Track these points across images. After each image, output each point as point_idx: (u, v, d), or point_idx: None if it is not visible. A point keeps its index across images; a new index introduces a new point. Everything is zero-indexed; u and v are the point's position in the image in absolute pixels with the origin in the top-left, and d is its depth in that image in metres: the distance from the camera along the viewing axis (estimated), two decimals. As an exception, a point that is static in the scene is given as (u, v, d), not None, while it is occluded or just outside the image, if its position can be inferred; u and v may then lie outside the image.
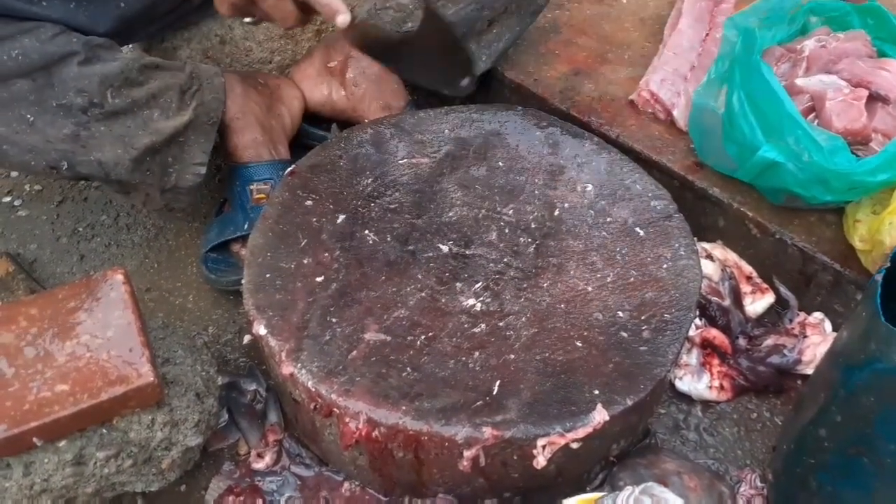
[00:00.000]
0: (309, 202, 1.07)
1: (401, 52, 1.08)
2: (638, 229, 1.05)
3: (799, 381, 1.12)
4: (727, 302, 1.14)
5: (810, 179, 1.05)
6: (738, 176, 1.16)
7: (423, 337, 0.92)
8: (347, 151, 1.14)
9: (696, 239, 1.06)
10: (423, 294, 0.97)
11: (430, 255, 1.02)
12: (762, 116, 1.06)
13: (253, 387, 1.09)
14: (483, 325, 0.94)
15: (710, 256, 1.18)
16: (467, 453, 0.84)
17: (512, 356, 0.91)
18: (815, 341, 1.10)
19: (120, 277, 0.95)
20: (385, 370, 0.89)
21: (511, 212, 1.07)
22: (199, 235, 1.31)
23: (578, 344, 0.92)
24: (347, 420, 0.86)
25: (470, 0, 1.21)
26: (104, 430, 0.88)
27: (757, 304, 1.15)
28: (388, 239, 1.03)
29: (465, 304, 0.96)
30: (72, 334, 0.90)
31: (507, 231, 1.05)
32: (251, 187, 1.21)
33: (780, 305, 1.17)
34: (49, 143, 1.02)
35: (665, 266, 1.00)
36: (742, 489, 0.99)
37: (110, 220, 1.36)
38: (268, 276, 0.98)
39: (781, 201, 1.14)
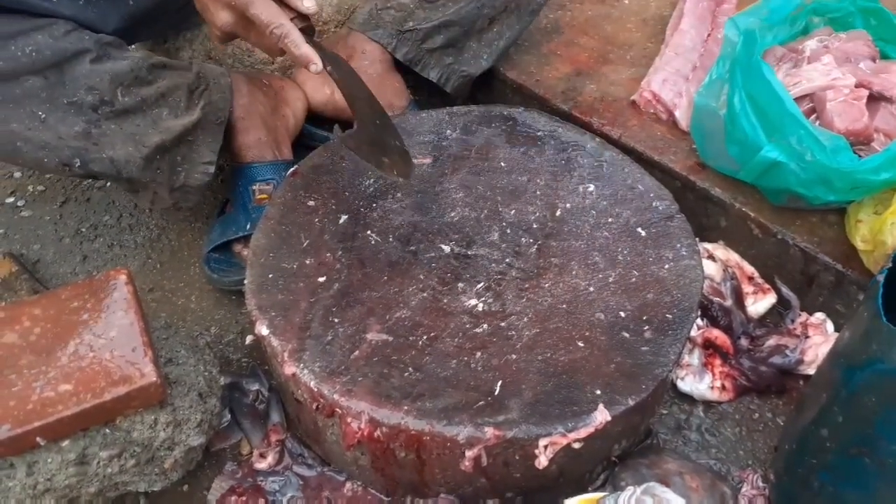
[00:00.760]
0: (311, 202, 1.07)
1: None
2: (640, 229, 1.05)
3: (801, 382, 1.12)
4: (729, 302, 1.14)
5: (813, 179, 1.05)
6: (740, 176, 1.16)
7: (425, 337, 0.93)
8: (350, 152, 1.14)
9: (697, 239, 1.06)
10: (425, 294, 0.97)
11: (432, 255, 1.02)
12: (764, 116, 1.06)
13: (255, 387, 1.09)
14: (485, 326, 0.94)
15: (711, 257, 1.18)
16: (469, 453, 0.84)
17: (514, 356, 0.91)
18: (816, 342, 1.10)
19: (123, 278, 0.96)
20: (387, 370, 0.89)
21: (513, 212, 1.07)
22: (202, 236, 1.31)
23: (580, 344, 0.92)
24: (349, 420, 0.87)
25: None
26: (107, 430, 0.88)
27: (759, 304, 1.15)
28: (390, 239, 1.03)
29: (467, 304, 0.96)
30: (75, 334, 0.90)
31: (508, 231, 1.05)
32: (254, 187, 1.21)
33: (782, 306, 1.17)
34: (62, 140, 1.02)
35: (667, 266, 1.00)
36: (744, 489, 0.99)
37: (113, 221, 1.37)
38: (270, 276, 0.98)
39: (783, 202, 1.14)
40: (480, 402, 0.86)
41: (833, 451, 0.84)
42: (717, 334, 1.10)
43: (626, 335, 0.93)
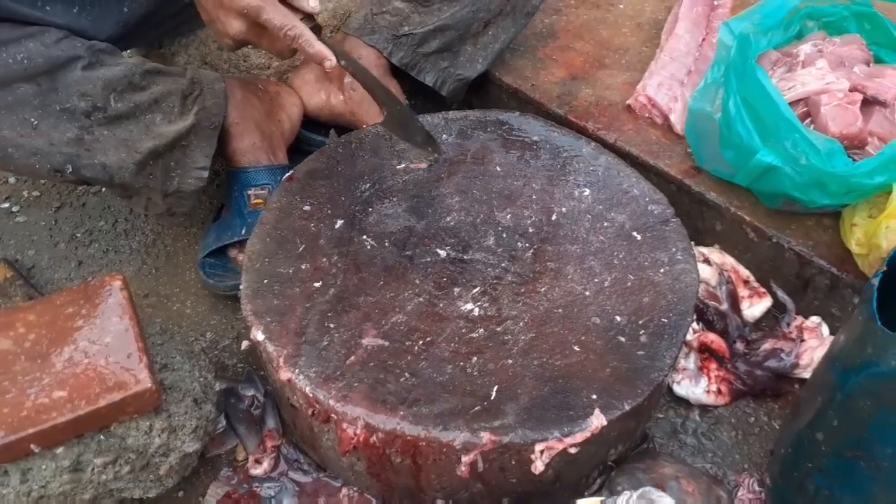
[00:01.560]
0: (307, 207, 1.07)
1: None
2: (635, 233, 1.05)
3: (796, 385, 1.12)
4: (724, 306, 1.14)
5: (808, 183, 1.05)
6: (735, 180, 1.16)
7: (420, 342, 0.92)
8: (345, 157, 1.14)
9: (693, 243, 1.06)
10: (421, 299, 0.97)
11: (428, 260, 1.02)
12: (759, 121, 1.07)
13: (251, 392, 1.09)
14: (481, 330, 0.94)
15: (707, 261, 1.18)
16: (465, 459, 0.84)
17: (510, 361, 0.91)
18: (812, 345, 1.10)
19: (118, 283, 0.95)
20: (383, 375, 0.89)
21: (509, 216, 1.07)
22: (197, 241, 1.31)
23: (576, 348, 0.92)
24: (345, 426, 0.86)
25: (465, 4, 1.22)
26: (102, 437, 0.88)
27: (754, 308, 1.15)
28: (386, 244, 1.03)
29: (462, 308, 0.96)
30: (69, 340, 0.90)
31: (504, 236, 1.05)
32: (249, 192, 1.21)
33: (778, 309, 1.17)
34: (53, 147, 1.02)
35: (662, 270, 1.00)
36: (740, 493, 0.99)
37: (108, 226, 1.37)
38: (266, 281, 0.98)
39: (778, 205, 1.15)
40: (476, 407, 0.86)
41: (828, 454, 0.84)
42: (712, 338, 1.10)
43: (622, 339, 0.93)
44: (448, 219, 1.07)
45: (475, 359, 0.91)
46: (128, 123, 1.05)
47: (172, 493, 1.00)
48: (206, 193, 1.34)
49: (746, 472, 1.02)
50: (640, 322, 0.95)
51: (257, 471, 1.03)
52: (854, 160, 1.06)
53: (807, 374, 1.09)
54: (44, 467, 0.85)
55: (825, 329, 1.12)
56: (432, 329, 0.94)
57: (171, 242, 1.34)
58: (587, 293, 0.98)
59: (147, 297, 1.26)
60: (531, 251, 1.03)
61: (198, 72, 1.15)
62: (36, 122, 1.01)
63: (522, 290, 0.98)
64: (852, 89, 1.14)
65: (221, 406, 1.06)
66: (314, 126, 1.35)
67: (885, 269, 0.80)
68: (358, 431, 0.86)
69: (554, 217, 1.07)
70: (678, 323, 0.95)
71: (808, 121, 1.14)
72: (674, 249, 1.03)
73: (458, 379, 0.89)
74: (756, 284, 1.17)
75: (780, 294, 1.16)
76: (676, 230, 1.05)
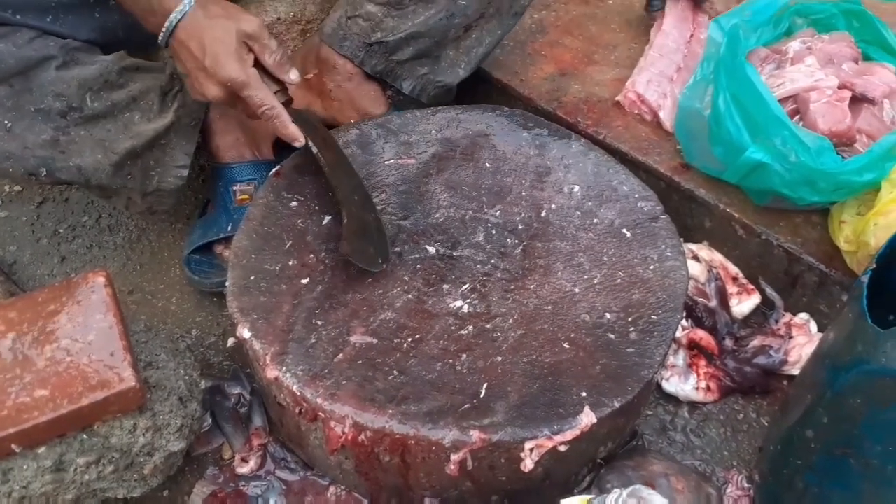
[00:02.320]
0: (294, 203, 1.06)
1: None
2: (625, 230, 1.05)
3: (785, 382, 1.12)
4: (713, 303, 1.14)
5: (797, 180, 1.05)
6: (724, 177, 1.16)
7: (409, 339, 0.92)
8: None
9: (682, 240, 1.06)
10: (410, 296, 0.96)
11: (417, 256, 1.01)
12: (748, 118, 1.07)
13: (237, 390, 1.08)
14: (470, 328, 0.93)
15: (696, 257, 1.18)
16: (454, 457, 0.83)
17: (499, 358, 0.90)
18: (800, 342, 1.10)
19: (101, 280, 0.94)
20: (371, 373, 0.88)
21: (498, 213, 1.07)
22: (183, 237, 1.29)
23: (566, 346, 0.92)
24: (333, 424, 0.86)
25: (440, 9, 1.17)
26: (85, 436, 0.86)
27: (743, 304, 1.15)
28: (374, 240, 1.02)
29: (452, 305, 0.95)
30: (52, 338, 0.89)
31: (494, 232, 1.04)
32: (234, 188, 1.20)
33: (766, 306, 1.17)
34: (27, 150, 1.00)
35: (652, 267, 1.00)
36: (729, 490, 0.99)
37: (92, 222, 1.35)
38: (252, 278, 0.96)
39: (767, 202, 1.15)
40: (466, 405, 0.85)
41: (818, 451, 0.84)
42: (701, 335, 1.10)
43: (612, 336, 0.93)
44: (437, 215, 1.06)
45: (464, 356, 0.90)
46: (105, 123, 1.03)
47: (157, 492, 0.99)
48: (191, 189, 1.32)
49: (735, 469, 1.02)
50: (630, 319, 0.94)
51: (244, 469, 1.02)
52: (843, 157, 1.06)
53: (795, 371, 1.10)
54: (25, 467, 0.84)
55: (813, 326, 1.13)
56: (421, 326, 0.93)
57: (156, 238, 1.32)
58: (577, 290, 0.98)
59: (131, 293, 1.24)
60: (520, 248, 1.02)
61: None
62: (9, 125, 0.99)
63: (512, 287, 0.98)
64: (841, 86, 1.14)
65: (207, 404, 1.05)
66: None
67: (874, 266, 0.80)
68: (346, 430, 0.85)
69: (543, 214, 1.07)
70: (668, 320, 0.94)
71: (797, 118, 1.14)
72: (663, 246, 1.02)
73: (448, 377, 0.88)
74: (745, 281, 1.17)
75: (769, 291, 1.16)
76: (666, 227, 1.05)
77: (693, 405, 1.10)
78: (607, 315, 0.95)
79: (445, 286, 0.97)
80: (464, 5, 1.17)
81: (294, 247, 1.01)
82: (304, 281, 0.97)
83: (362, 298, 0.96)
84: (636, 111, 1.31)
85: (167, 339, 1.00)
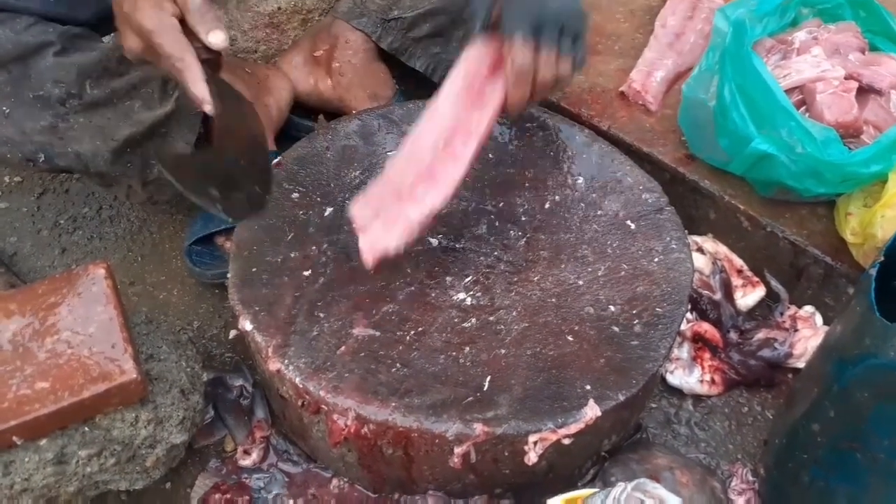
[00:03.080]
0: (295, 195, 1.05)
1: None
2: (629, 222, 1.04)
3: (790, 375, 1.11)
4: (718, 295, 1.13)
5: (803, 171, 1.04)
6: (730, 168, 1.15)
7: (412, 332, 0.91)
8: (334, 143, 1.12)
9: (687, 232, 1.05)
10: (413, 288, 0.95)
11: (420, 248, 1.00)
12: (754, 108, 1.06)
13: (239, 382, 1.08)
14: (473, 320, 0.93)
15: (700, 249, 1.17)
16: (458, 450, 0.83)
17: (503, 351, 0.90)
18: (806, 335, 1.10)
19: (102, 271, 0.93)
20: (374, 366, 0.87)
21: (501, 205, 1.06)
22: (184, 228, 1.29)
23: (570, 338, 0.91)
24: (336, 417, 0.85)
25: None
26: (86, 429, 0.86)
27: (748, 297, 1.15)
28: (377, 232, 1.01)
29: (455, 298, 0.95)
30: (52, 330, 0.88)
31: (497, 224, 1.03)
32: (237, 179, 1.19)
33: (771, 299, 1.16)
34: (25, 136, 0.99)
35: (656, 259, 0.99)
36: (733, 484, 0.99)
37: (92, 213, 1.34)
38: (254, 270, 0.96)
39: (772, 194, 1.14)
40: (469, 398, 0.84)
41: (824, 445, 0.83)
42: (706, 328, 1.10)
43: (616, 329, 0.92)
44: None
45: (468, 349, 0.90)
46: (104, 110, 1.02)
47: (159, 484, 0.98)
48: (192, 180, 1.31)
49: (740, 463, 1.02)
50: (635, 312, 0.94)
51: (246, 462, 1.01)
52: (849, 149, 1.05)
53: (800, 364, 1.09)
54: (27, 459, 0.83)
55: (819, 319, 1.12)
56: (424, 319, 0.92)
57: (157, 230, 1.32)
58: (581, 282, 0.97)
59: (132, 285, 1.24)
60: (524, 240, 1.02)
61: (180, 55, 1.12)
62: (8, 111, 0.98)
63: (515, 280, 0.97)
64: (847, 77, 1.13)
65: (209, 396, 1.04)
66: (302, 111, 1.33)
67: (882, 258, 0.79)
68: (349, 423, 0.84)
69: (547, 205, 1.06)
70: (673, 313, 0.94)
71: (802, 109, 1.13)
72: (668, 238, 1.02)
73: (451, 369, 0.87)
74: (750, 274, 1.17)
75: (774, 283, 1.16)
76: (671, 219, 1.04)
77: (697, 398, 1.09)
78: (611, 307, 0.94)
79: (448, 278, 0.97)
80: None
81: (296, 238, 1.00)
82: (306, 273, 0.96)
83: (365, 291, 0.95)
84: (640, 102, 1.29)
85: (168, 331, 0.99)
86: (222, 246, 1.20)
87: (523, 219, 1.04)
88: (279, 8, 1.37)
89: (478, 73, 0.91)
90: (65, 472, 0.85)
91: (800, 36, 1.19)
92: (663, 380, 1.09)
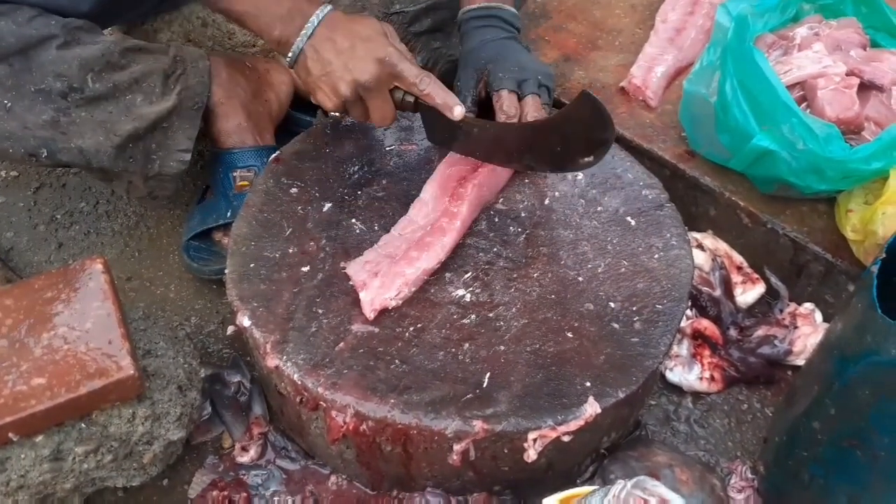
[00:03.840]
0: (294, 190, 1.05)
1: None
2: (629, 219, 1.03)
3: (789, 372, 1.11)
4: (718, 292, 1.13)
5: (804, 168, 1.04)
6: (731, 165, 1.15)
7: (411, 328, 0.90)
8: (334, 138, 1.12)
9: (687, 228, 1.04)
10: (412, 284, 0.95)
11: (419, 244, 1.00)
12: (756, 104, 1.05)
13: (237, 378, 1.07)
14: (473, 316, 0.92)
15: (700, 246, 1.16)
16: (457, 447, 0.83)
17: (502, 347, 0.89)
18: (805, 332, 1.09)
19: (99, 266, 0.93)
20: (373, 362, 0.87)
21: (501, 200, 1.05)
22: (181, 223, 1.28)
23: (569, 335, 0.91)
24: (334, 414, 0.85)
25: None
26: (83, 425, 0.85)
27: (747, 294, 1.14)
28: (376, 228, 1.01)
29: (454, 294, 0.94)
30: (49, 326, 0.87)
31: (496, 220, 1.03)
32: (234, 174, 1.18)
33: (771, 296, 1.16)
34: (27, 130, 0.99)
35: (657, 256, 0.99)
36: (733, 481, 0.99)
37: (89, 208, 1.33)
38: (252, 265, 0.95)
39: (773, 191, 1.13)
40: (468, 395, 0.84)
41: (825, 443, 0.83)
42: (706, 325, 1.09)
43: (616, 326, 0.92)
44: (439, 202, 1.05)
45: (467, 345, 0.89)
46: (106, 104, 1.02)
47: (157, 481, 0.98)
48: (190, 175, 1.30)
49: (739, 460, 1.02)
50: (635, 308, 0.93)
51: (244, 458, 1.01)
52: (851, 145, 1.05)
53: (800, 361, 1.09)
54: (23, 456, 0.83)
55: (819, 316, 1.11)
56: (423, 315, 0.92)
57: (155, 225, 1.31)
58: (580, 279, 0.96)
59: (129, 280, 1.23)
60: (523, 236, 1.01)
61: (181, 49, 1.11)
62: (9, 104, 0.97)
63: (515, 276, 0.97)
64: (849, 73, 1.13)
65: (207, 393, 1.04)
66: (302, 106, 1.32)
67: (883, 255, 0.79)
68: (347, 419, 0.84)
69: (547, 201, 1.05)
70: (673, 309, 0.93)
71: (804, 105, 1.12)
72: (668, 235, 1.01)
73: (450, 366, 0.87)
74: (749, 270, 1.16)
75: (774, 280, 1.15)
76: (671, 215, 1.04)
77: (697, 395, 1.09)
78: (611, 304, 0.94)
79: (447, 274, 0.96)
80: None
81: (294, 234, 0.99)
82: (305, 269, 0.96)
83: (364, 286, 0.94)
84: (640, 97, 1.29)
85: (166, 326, 0.99)
86: (220, 241, 1.19)
87: (523, 215, 1.03)
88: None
89: (452, 177, 1.03)
90: (61, 468, 0.85)
91: (801, 32, 1.19)
92: (663, 377, 1.09)
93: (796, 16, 1.25)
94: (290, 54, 0.97)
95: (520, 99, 1.02)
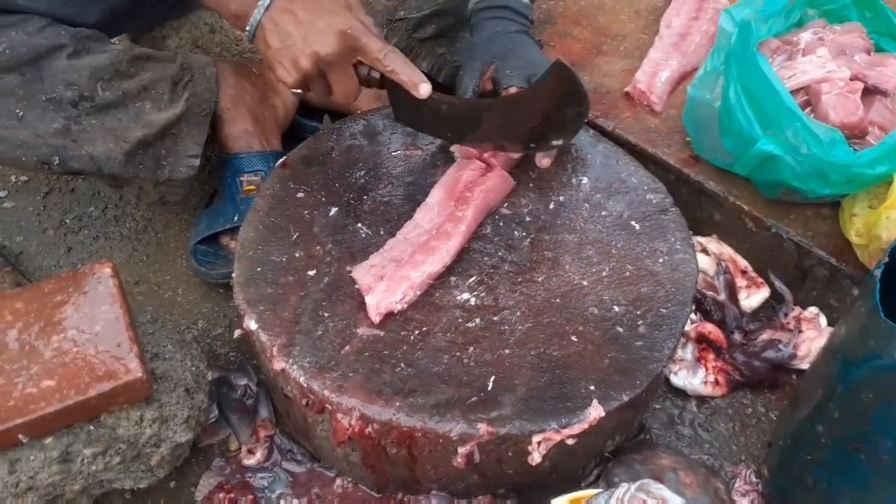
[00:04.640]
0: (300, 194, 1.06)
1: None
2: (633, 223, 1.04)
3: (794, 376, 1.11)
4: (722, 296, 1.13)
5: (808, 172, 1.04)
6: (735, 169, 1.15)
7: (416, 332, 0.91)
8: (340, 143, 1.13)
9: (691, 233, 1.05)
10: (417, 288, 0.96)
11: (424, 248, 1.00)
12: (760, 109, 1.05)
13: (243, 381, 1.08)
14: (477, 320, 0.93)
15: (705, 250, 1.17)
16: (462, 450, 0.83)
17: (507, 351, 0.90)
18: (810, 336, 1.09)
19: (108, 270, 0.94)
20: (378, 365, 0.87)
21: (506, 205, 1.06)
22: (189, 227, 1.29)
23: (574, 339, 0.91)
24: (340, 416, 0.85)
25: None
26: (91, 427, 0.86)
27: (752, 298, 1.14)
28: (381, 232, 1.02)
29: (459, 298, 0.95)
30: (58, 329, 0.88)
31: (501, 224, 1.03)
32: (242, 178, 1.19)
33: (775, 300, 1.16)
34: (39, 139, 1.00)
35: (661, 260, 0.99)
36: (737, 485, 0.99)
37: (98, 212, 1.34)
38: (259, 269, 0.96)
39: (777, 195, 1.14)
40: (473, 398, 0.85)
41: (828, 446, 0.83)
42: (710, 328, 1.10)
43: (620, 330, 0.92)
44: (444, 207, 1.05)
45: (472, 349, 0.90)
46: (116, 112, 1.03)
47: (164, 483, 0.99)
48: (198, 179, 1.30)
49: (743, 464, 1.02)
50: (639, 312, 0.94)
51: (250, 461, 1.01)
52: (855, 150, 1.05)
53: (805, 366, 1.09)
54: (32, 458, 0.84)
55: (823, 320, 1.12)
56: (428, 319, 0.92)
57: (163, 229, 1.32)
58: (585, 283, 0.97)
59: (138, 284, 1.24)
60: (528, 240, 1.02)
61: (189, 56, 1.12)
62: (21, 114, 0.98)
63: (519, 280, 0.97)
64: (853, 78, 1.13)
65: (214, 396, 1.05)
66: (308, 111, 1.33)
67: (887, 260, 0.79)
68: (353, 422, 0.85)
69: (551, 206, 1.06)
70: (677, 313, 0.94)
71: (808, 109, 1.13)
72: (672, 239, 1.02)
73: (455, 369, 0.88)
74: (754, 275, 1.17)
75: (778, 284, 1.15)
76: (675, 219, 1.04)
77: (701, 399, 1.09)
78: (616, 308, 0.94)
79: (452, 278, 0.97)
80: None
81: (301, 238, 1.00)
82: (311, 272, 0.96)
83: (369, 290, 0.95)
84: (645, 102, 1.29)
85: (173, 330, 1.00)
86: (227, 245, 1.20)
87: (527, 219, 1.04)
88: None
89: (460, 181, 1.03)
90: (70, 470, 0.86)
91: (805, 37, 1.19)
92: (667, 381, 1.09)
93: (800, 21, 1.25)
94: (247, 28, 0.93)
95: None
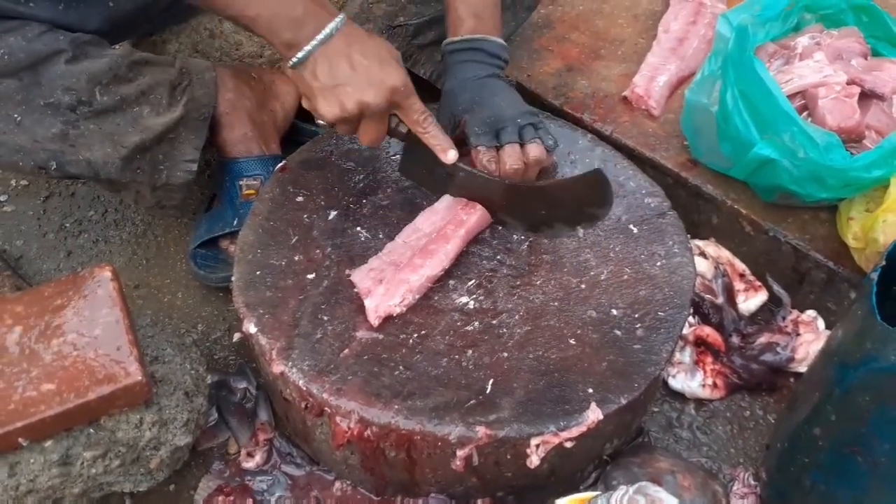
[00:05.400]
0: (300, 198, 1.06)
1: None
2: (631, 226, 1.04)
3: (792, 379, 1.11)
4: (720, 300, 1.13)
5: (805, 176, 1.04)
6: (732, 173, 1.16)
7: (415, 335, 0.91)
8: (339, 147, 1.13)
9: (689, 236, 1.05)
10: (416, 292, 0.96)
11: (423, 252, 1.01)
12: (757, 113, 1.06)
13: (243, 385, 1.08)
14: (476, 323, 0.93)
15: (703, 254, 1.17)
16: (460, 453, 0.83)
17: (505, 354, 0.90)
18: (808, 339, 1.10)
19: (107, 274, 0.94)
20: (377, 369, 0.88)
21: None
22: (188, 231, 1.29)
23: (572, 342, 0.91)
24: (339, 419, 0.85)
25: None
26: (91, 430, 0.86)
27: (750, 301, 1.15)
28: (380, 236, 1.02)
29: (458, 301, 0.95)
30: (58, 332, 0.89)
31: (499, 228, 1.04)
32: (241, 182, 1.20)
33: (773, 303, 1.16)
34: (37, 143, 1.00)
35: (659, 264, 1.00)
36: (735, 488, 0.99)
37: (98, 216, 1.35)
38: (258, 273, 0.96)
39: (775, 199, 1.14)
40: (472, 401, 0.85)
41: (826, 449, 0.84)
42: (708, 332, 1.10)
43: (619, 333, 0.92)
44: (443, 210, 1.06)
45: (470, 352, 0.90)
46: (114, 117, 1.03)
47: (163, 486, 0.99)
48: (197, 183, 1.31)
49: (742, 467, 1.02)
50: (637, 316, 0.94)
51: (249, 464, 1.02)
52: (852, 154, 1.06)
53: (802, 369, 1.09)
54: (32, 461, 0.84)
55: (821, 323, 1.12)
56: (427, 322, 0.93)
57: (162, 233, 1.32)
58: (583, 286, 0.97)
59: (137, 288, 1.24)
60: (526, 244, 1.02)
61: (187, 61, 1.13)
62: (19, 118, 0.99)
63: (518, 283, 0.97)
64: (850, 82, 1.14)
65: (213, 399, 1.05)
66: (307, 116, 1.33)
67: (883, 263, 0.79)
68: (352, 425, 0.85)
69: (550, 209, 1.06)
70: (675, 317, 0.94)
71: (805, 114, 1.13)
72: (670, 242, 1.02)
73: (453, 372, 0.88)
74: (752, 278, 1.17)
75: (776, 288, 1.16)
76: (673, 223, 1.05)
77: (699, 402, 1.10)
78: (614, 311, 0.95)
79: (451, 282, 0.97)
80: None
81: (300, 242, 1.01)
82: (310, 276, 0.97)
83: (368, 294, 0.95)
84: (643, 106, 1.30)
85: (173, 333, 1.00)
86: (227, 249, 1.21)
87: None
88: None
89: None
90: (70, 473, 0.86)
91: (802, 41, 1.20)
92: (665, 384, 1.09)
93: (797, 25, 1.26)
94: (296, 56, 0.93)
95: (498, 149, 1.01)
